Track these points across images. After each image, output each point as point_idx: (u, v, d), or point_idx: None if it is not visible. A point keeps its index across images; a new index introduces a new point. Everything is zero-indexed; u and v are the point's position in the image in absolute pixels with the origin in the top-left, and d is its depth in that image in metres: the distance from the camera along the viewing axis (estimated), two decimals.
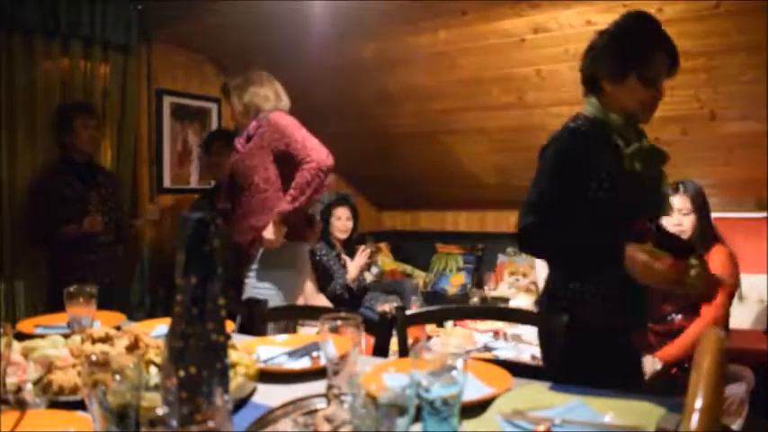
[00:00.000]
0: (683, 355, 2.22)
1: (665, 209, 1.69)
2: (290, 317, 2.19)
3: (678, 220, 2.37)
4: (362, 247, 3.70)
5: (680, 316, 2.36)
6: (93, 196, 3.00)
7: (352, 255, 3.72)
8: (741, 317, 3.39)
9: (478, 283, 3.78)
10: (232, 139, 2.78)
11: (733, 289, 2.33)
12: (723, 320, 2.29)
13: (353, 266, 3.54)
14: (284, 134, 2.42)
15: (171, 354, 0.84)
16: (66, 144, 2.99)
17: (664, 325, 2.40)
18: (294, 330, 2.50)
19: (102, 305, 1.67)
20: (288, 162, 2.42)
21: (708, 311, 2.26)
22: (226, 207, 2.64)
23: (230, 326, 1.66)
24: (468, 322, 2.90)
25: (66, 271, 2.86)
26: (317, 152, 2.35)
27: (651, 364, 2.26)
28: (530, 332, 2.75)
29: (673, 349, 2.27)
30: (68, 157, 2.99)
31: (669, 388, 1.99)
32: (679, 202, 2.38)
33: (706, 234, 2.36)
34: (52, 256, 2.97)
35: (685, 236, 2.36)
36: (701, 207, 2.37)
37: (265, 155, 2.44)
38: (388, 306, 3.46)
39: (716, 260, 2.30)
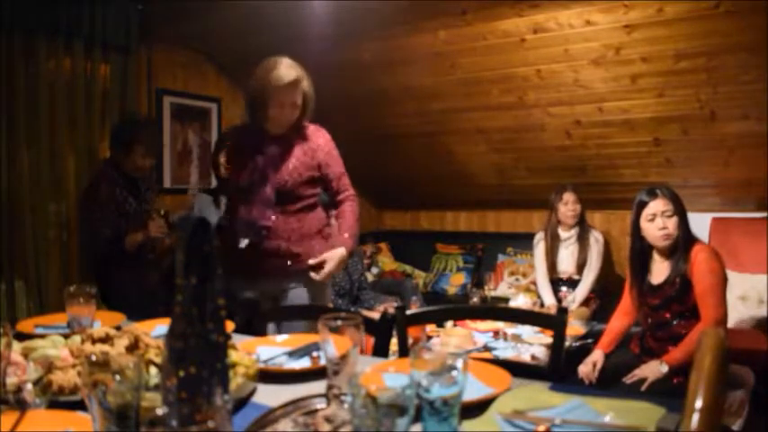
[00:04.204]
0: (690, 359, 2.18)
1: None
2: (290, 317, 2.18)
3: (663, 223, 2.29)
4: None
5: (682, 321, 2.34)
6: (145, 207, 2.95)
7: (350, 256, 3.72)
8: (741, 317, 3.39)
9: (478, 283, 3.77)
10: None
11: (725, 285, 2.29)
12: (725, 319, 2.27)
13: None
14: (332, 157, 2.30)
15: (171, 354, 0.84)
16: (117, 159, 2.89)
17: (665, 331, 2.38)
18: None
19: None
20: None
21: (708, 313, 2.23)
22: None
23: (230, 326, 1.66)
24: (469, 322, 2.89)
25: (128, 281, 2.84)
26: (349, 182, 2.28)
27: (657, 367, 2.24)
28: (530, 332, 2.75)
29: (679, 354, 2.22)
30: (120, 169, 2.88)
31: (670, 395, 1.98)
32: (661, 204, 2.31)
33: (688, 234, 2.35)
34: (110, 270, 2.88)
35: (671, 239, 2.30)
36: (681, 208, 2.35)
37: (314, 171, 2.29)
38: (387, 306, 3.46)
39: (700, 258, 2.26)
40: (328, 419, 0.97)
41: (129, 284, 2.90)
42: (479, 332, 2.78)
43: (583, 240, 3.78)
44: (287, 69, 2.15)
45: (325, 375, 1.10)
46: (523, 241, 4.35)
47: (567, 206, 3.75)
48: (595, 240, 3.79)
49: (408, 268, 4.92)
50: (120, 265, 2.87)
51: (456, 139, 4.29)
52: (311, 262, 2.23)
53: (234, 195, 2.31)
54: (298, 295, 2.28)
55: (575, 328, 2.96)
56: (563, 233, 3.82)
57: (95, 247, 2.87)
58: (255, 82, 2.19)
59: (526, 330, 2.76)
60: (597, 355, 2.50)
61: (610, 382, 2.37)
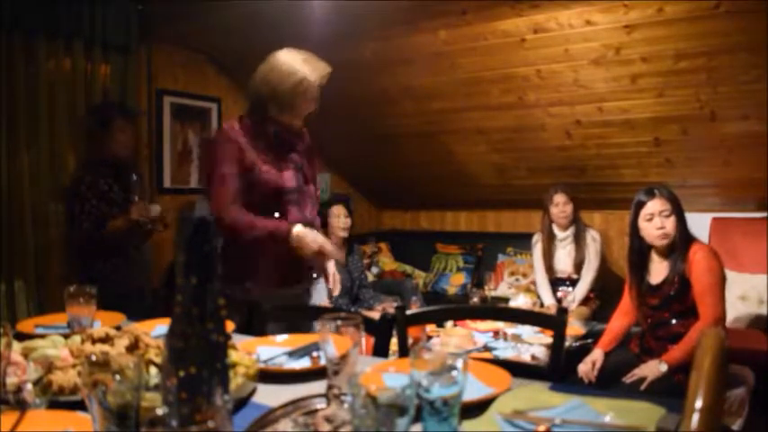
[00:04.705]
0: (689, 358, 2.18)
1: None
2: (290, 317, 2.18)
3: (661, 222, 2.31)
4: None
5: (681, 321, 2.34)
6: (130, 197, 2.94)
7: (350, 254, 3.73)
8: (741, 317, 3.39)
9: (478, 283, 3.78)
10: None
11: (724, 284, 2.30)
12: (723, 317, 2.27)
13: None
14: None
15: (171, 354, 0.84)
16: (99, 145, 2.90)
17: (664, 330, 2.38)
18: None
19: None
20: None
21: (706, 312, 2.24)
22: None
23: (230, 326, 1.66)
24: (469, 322, 2.89)
25: (108, 274, 2.82)
26: None
27: (657, 366, 2.25)
28: (530, 332, 2.75)
29: (678, 353, 2.23)
30: (103, 157, 2.90)
31: (671, 393, 1.98)
32: (659, 204, 2.32)
33: (686, 234, 2.35)
34: (91, 262, 2.86)
35: (669, 238, 2.32)
36: (679, 208, 2.35)
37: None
38: (387, 306, 3.45)
39: (698, 257, 2.27)
40: (328, 419, 0.97)
41: (115, 281, 2.88)
42: (479, 332, 2.78)
43: (579, 240, 3.78)
44: (317, 62, 2.11)
45: (325, 375, 1.10)
46: (523, 241, 4.35)
47: (558, 207, 3.76)
48: (592, 239, 3.80)
49: (408, 268, 4.92)
50: (106, 260, 2.85)
51: (456, 138, 4.29)
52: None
53: (280, 195, 2.08)
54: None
55: (575, 328, 2.96)
56: (559, 233, 3.83)
57: (79, 240, 2.84)
58: (285, 76, 2.03)
59: (526, 330, 2.76)
60: (597, 354, 2.51)
61: (609, 382, 2.38)
